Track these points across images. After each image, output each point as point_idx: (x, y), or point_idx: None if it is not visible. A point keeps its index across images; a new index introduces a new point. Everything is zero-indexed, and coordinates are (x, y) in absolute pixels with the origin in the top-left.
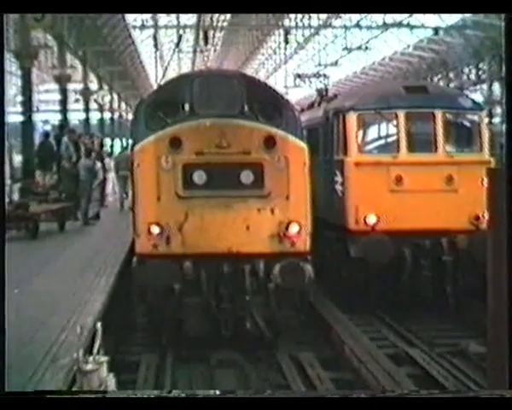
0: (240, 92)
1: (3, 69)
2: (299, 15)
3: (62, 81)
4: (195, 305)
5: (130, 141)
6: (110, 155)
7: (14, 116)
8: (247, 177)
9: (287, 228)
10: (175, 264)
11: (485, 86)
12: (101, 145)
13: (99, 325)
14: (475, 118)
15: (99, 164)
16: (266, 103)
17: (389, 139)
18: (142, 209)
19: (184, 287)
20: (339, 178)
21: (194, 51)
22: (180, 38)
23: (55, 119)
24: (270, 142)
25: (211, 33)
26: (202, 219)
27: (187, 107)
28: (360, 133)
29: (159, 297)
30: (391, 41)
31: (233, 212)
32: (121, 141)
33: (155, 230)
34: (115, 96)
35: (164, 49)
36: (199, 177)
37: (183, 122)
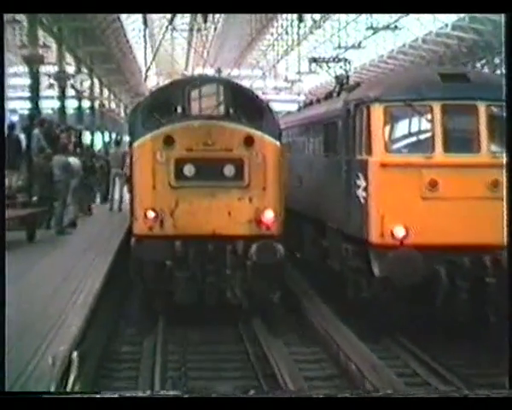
0: (225, 97)
1: (3, 69)
2: None
3: (33, 63)
4: (184, 278)
5: (120, 137)
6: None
7: None
8: (229, 170)
9: (263, 214)
10: (167, 243)
11: None
12: (80, 139)
13: (75, 355)
14: None
15: (77, 161)
16: (248, 107)
17: (422, 136)
18: (140, 197)
19: (175, 263)
20: (361, 182)
21: (191, 30)
22: (174, 13)
23: (25, 107)
24: (249, 141)
25: None
26: (191, 205)
27: (179, 109)
28: (387, 129)
29: (153, 271)
30: (424, 19)
31: (217, 200)
32: (103, 135)
33: (151, 214)
34: (96, 82)
35: (155, 26)
36: (188, 170)
37: (175, 123)
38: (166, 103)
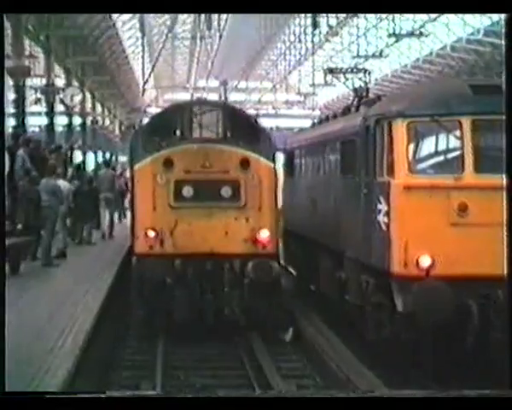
0: (223, 121)
1: (3, 69)
2: None
3: (18, 75)
4: (183, 295)
5: (112, 157)
6: (78, 169)
7: None
8: (226, 191)
9: (259, 234)
10: (167, 262)
11: None
12: (71, 160)
13: None
14: None
15: (66, 185)
16: (245, 131)
17: (450, 155)
18: (141, 217)
19: (175, 281)
20: (382, 207)
21: (194, 38)
22: (175, 19)
23: (8, 125)
24: (245, 163)
25: (215, 15)
26: (190, 225)
27: (178, 133)
28: (411, 147)
29: (153, 289)
30: (453, 24)
31: (214, 220)
32: (95, 154)
33: (151, 234)
34: (88, 96)
35: (153, 34)
36: (187, 191)
37: (174, 146)
38: (166, 127)
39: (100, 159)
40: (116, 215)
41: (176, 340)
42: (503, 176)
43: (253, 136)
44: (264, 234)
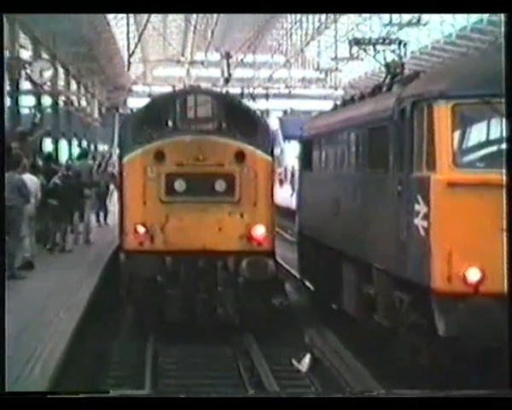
0: (218, 111)
1: (3, 68)
2: None
3: None
4: (175, 294)
5: (90, 145)
6: (49, 160)
7: None
8: (220, 185)
9: (254, 230)
10: (158, 259)
11: None
12: (40, 149)
13: None
14: None
15: (34, 180)
16: (241, 122)
17: (504, 145)
18: (130, 212)
19: (166, 279)
20: (421, 208)
21: None
22: None
23: None
24: (240, 156)
25: None
26: (181, 220)
27: (170, 123)
28: (457, 135)
29: (143, 287)
30: None
31: (207, 215)
32: (69, 143)
33: (141, 229)
34: (61, 71)
35: None
36: (179, 185)
37: (166, 138)
38: (157, 117)
39: (75, 147)
40: (94, 216)
41: (166, 341)
42: None
43: (249, 127)
44: (260, 230)
